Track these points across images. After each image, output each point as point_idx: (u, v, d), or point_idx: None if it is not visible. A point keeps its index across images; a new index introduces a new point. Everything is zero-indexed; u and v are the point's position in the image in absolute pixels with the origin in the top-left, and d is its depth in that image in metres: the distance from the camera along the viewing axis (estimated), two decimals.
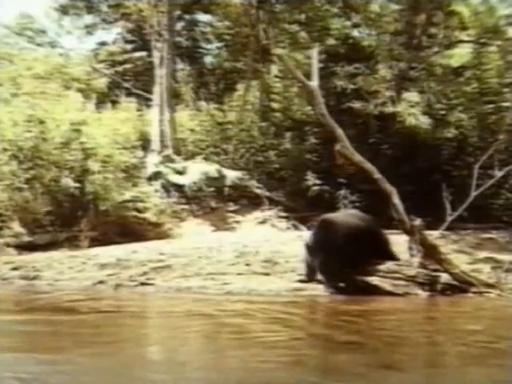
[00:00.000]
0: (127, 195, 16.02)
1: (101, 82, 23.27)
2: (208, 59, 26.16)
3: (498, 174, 11.78)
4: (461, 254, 11.78)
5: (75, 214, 15.26)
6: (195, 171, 17.82)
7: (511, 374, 5.52)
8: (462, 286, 9.90)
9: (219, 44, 25.59)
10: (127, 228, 15.36)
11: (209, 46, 26.19)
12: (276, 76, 21.23)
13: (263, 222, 17.21)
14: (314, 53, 11.95)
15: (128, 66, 24.99)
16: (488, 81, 20.78)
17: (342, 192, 17.45)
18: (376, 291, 9.79)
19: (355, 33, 21.59)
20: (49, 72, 21.35)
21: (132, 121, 19.12)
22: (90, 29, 25.48)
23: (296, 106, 20.08)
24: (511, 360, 6.09)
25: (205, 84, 23.46)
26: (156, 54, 20.12)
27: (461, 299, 9.62)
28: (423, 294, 9.83)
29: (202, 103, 21.34)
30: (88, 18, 25.19)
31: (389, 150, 18.64)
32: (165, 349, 6.82)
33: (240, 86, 21.30)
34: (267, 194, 18.08)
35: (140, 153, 17.97)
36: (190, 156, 19.10)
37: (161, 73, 19.82)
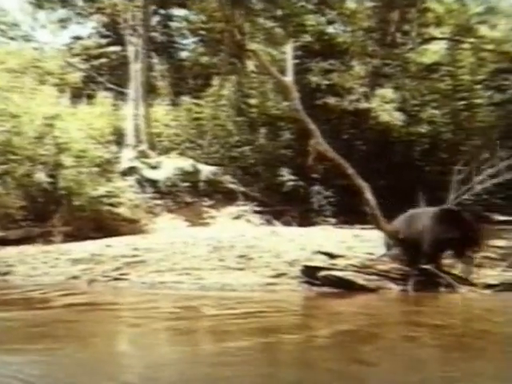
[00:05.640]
0: (101, 190, 15.93)
1: (75, 77, 23.11)
2: (184, 54, 26.09)
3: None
4: None
5: (48, 208, 15.16)
6: (170, 166, 17.79)
7: (485, 368, 5.58)
8: (434, 280, 10.00)
9: (195, 39, 25.53)
10: (101, 223, 15.29)
11: (185, 41, 26.12)
12: (252, 71, 21.23)
13: (238, 217, 17.23)
14: (289, 48, 11.98)
15: (103, 60, 24.85)
16: (461, 78, 20.97)
17: (316, 187, 17.53)
18: (350, 285, 9.87)
19: (330, 29, 21.65)
20: (23, 66, 21.15)
21: (107, 115, 19.02)
22: (64, 23, 25.26)
23: (271, 101, 20.11)
24: (480, 354, 6.16)
25: (180, 79, 23.40)
26: (131, 49, 20.05)
27: (433, 294, 9.72)
28: (396, 288, 9.92)
29: (178, 98, 21.28)
30: (62, 12, 24.98)
31: (363, 145, 18.77)
32: (135, 344, 6.83)
33: (216, 82, 21.27)
34: (242, 189, 18.10)
35: (114, 148, 17.90)
36: (165, 151, 19.07)
37: (136, 67, 19.74)
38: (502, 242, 12.56)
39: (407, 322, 7.99)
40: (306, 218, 17.09)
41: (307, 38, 20.73)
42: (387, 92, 19.42)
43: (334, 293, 9.79)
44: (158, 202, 17.33)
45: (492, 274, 10.51)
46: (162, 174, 17.59)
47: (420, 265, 10.09)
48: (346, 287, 9.84)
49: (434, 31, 21.12)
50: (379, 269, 10.11)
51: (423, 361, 5.95)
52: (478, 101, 21.03)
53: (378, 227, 10.71)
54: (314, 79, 19.02)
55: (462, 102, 20.78)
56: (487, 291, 9.80)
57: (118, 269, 11.20)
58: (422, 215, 10.61)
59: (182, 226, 16.43)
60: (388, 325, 7.74)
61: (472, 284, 10.06)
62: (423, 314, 8.51)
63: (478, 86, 21.26)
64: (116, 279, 10.81)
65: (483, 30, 20.42)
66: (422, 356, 6.15)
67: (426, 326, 7.45)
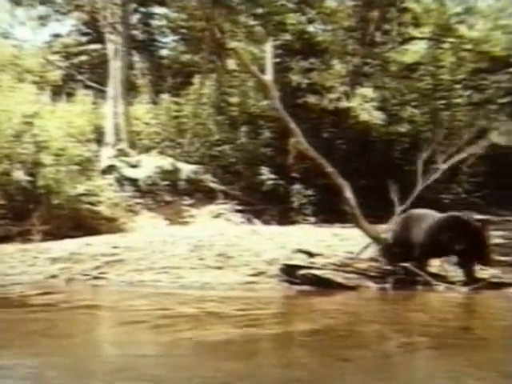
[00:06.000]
0: (81, 189, 15.84)
1: (55, 75, 22.96)
2: (164, 52, 26.03)
3: (443, 166, 11.99)
4: None
5: (27, 207, 15.05)
6: (150, 165, 17.74)
7: (457, 364, 5.62)
8: (412, 278, 10.07)
9: (175, 37, 25.47)
10: (80, 222, 15.20)
11: (165, 40, 26.05)
12: (232, 70, 21.22)
13: (218, 215, 17.22)
14: (269, 47, 11.99)
15: (83, 58, 24.73)
16: (441, 77, 21.10)
17: (296, 186, 17.56)
18: (328, 284, 9.91)
19: (311, 28, 21.69)
20: (1, 63, 20.98)
21: (87, 114, 18.91)
22: (43, 20, 25.07)
23: (252, 100, 20.11)
24: (458, 351, 6.20)
25: (161, 77, 23.34)
26: (110, 47, 19.94)
27: (412, 292, 9.79)
28: (374, 286, 9.98)
29: (158, 96, 21.21)
30: (41, 9, 24.79)
31: (343, 144, 18.84)
32: (115, 343, 6.81)
33: (196, 80, 21.23)
34: (222, 187, 18.09)
35: (94, 146, 17.81)
36: (145, 149, 19.01)
37: (115, 66, 19.65)
38: None
39: (385, 319, 8.03)
40: (285, 216, 17.13)
41: (287, 36, 20.75)
42: (367, 91, 19.50)
43: (313, 291, 9.83)
44: (138, 200, 17.26)
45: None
46: (141, 173, 17.54)
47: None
48: (325, 285, 9.88)
49: (414, 31, 21.22)
50: (358, 267, 10.16)
51: (399, 358, 5.99)
52: (458, 100, 21.17)
53: (358, 226, 10.76)
54: (295, 78, 19.06)
55: (442, 102, 20.91)
56: (465, 289, 9.87)
57: (97, 268, 11.15)
58: (426, 218, 10.62)
59: (162, 225, 16.39)
60: (366, 322, 7.77)
61: (450, 282, 10.14)
62: (401, 312, 8.56)
63: (458, 86, 21.39)
64: (95, 278, 10.77)
65: (462, 29, 20.56)
66: (398, 353, 6.19)
67: (404, 324, 7.49)
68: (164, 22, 25.34)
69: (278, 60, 18.75)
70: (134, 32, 23.70)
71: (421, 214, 10.83)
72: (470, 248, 9.87)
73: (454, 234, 9.95)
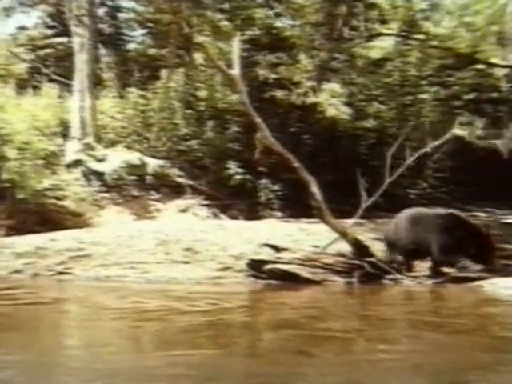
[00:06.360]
0: (46, 183, 15.69)
1: (20, 68, 22.69)
2: (132, 46, 25.84)
3: (408, 160, 12.12)
4: (378, 242, 12.05)
5: None
6: (116, 159, 17.60)
7: (425, 358, 5.67)
8: (378, 273, 10.15)
9: (143, 31, 25.30)
10: (46, 216, 15.07)
11: (132, 33, 25.86)
12: (200, 64, 21.13)
13: (185, 210, 17.16)
14: (236, 42, 11.98)
15: (49, 51, 24.43)
16: (407, 73, 21.24)
17: (264, 181, 17.57)
18: (295, 278, 9.96)
19: (278, 23, 21.69)
20: None
21: (52, 107, 18.72)
22: (8, 12, 24.71)
23: (219, 94, 20.05)
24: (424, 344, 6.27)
25: (128, 71, 23.16)
26: (76, 40, 19.71)
27: (377, 286, 9.87)
28: (341, 281, 10.05)
29: (125, 90, 21.05)
30: (6, 1, 24.43)
31: (310, 139, 18.88)
32: (79, 338, 6.78)
33: (164, 74, 21.10)
34: (189, 182, 18.02)
35: (60, 140, 17.64)
36: (112, 144, 18.85)
37: (82, 59, 19.42)
38: None
39: (351, 313, 8.09)
40: (253, 211, 17.12)
41: (255, 31, 20.72)
42: (334, 86, 19.55)
43: (279, 285, 9.87)
44: (104, 195, 17.11)
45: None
46: (108, 167, 17.39)
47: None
48: (292, 280, 9.93)
49: (381, 27, 21.32)
50: (324, 262, 10.23)
51: (365, 352, 6.04)
52: (424, 96, 21.34)
53: (324, 221, 10.81)
54: (262, 73, 19.04)
55: (409, 97, 21.07)
56: (429, 283, 9.99)
57: (62, 263, 11.07)
58: (428, 217, 10.71)
59: (129, 220, 16.29)
60: (331, 316, 7.82)
61: (415, 276, 10.25)
62: (366, 306, 8.63)
63: (424, 82, 21.56)
64: (60, 273, 10.70)
65: (428, 26, 20.72)
66: (363, 347, 6.25)
67: (368, 318, 7.54)
68: (131, 16, 25.16)
69: (245, 55, 18.76)
70: (101, 25, 23.49)
71: (422, 213, 10.97)
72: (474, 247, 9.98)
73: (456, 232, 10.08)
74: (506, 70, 20.42)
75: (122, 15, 25.38)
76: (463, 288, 9.68)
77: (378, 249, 11.10)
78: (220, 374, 5.12)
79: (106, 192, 17.18)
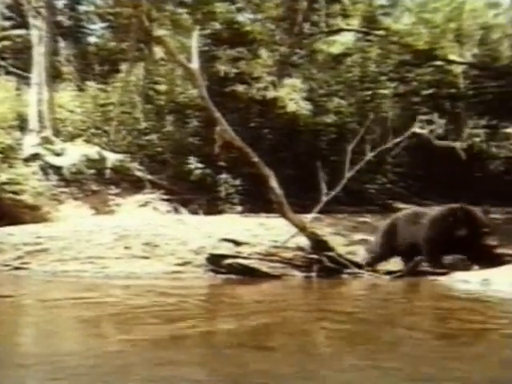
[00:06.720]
0: (3, 177, 15.50)
1: None
2: (92, 39, 25.57)
3: (368, 155, 12.24)
4: (337, 237, 12.16)
5: None
6: (75, 153, 17.41)
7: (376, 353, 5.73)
8: (337, 267, 10.22)
9: (103, 24, 25.04)
10: (3, 211, 14.87)
11: (93, 26, 25.57)
12: (161, 58, 20.99)
13: (145, 205, 17.06)
14: (195, 36, 11.94)
15: (6, 43, 24.04)
16: (367, 69, 21.38)
17: (224, 176, 17.55)
18: (254, 273, 9.98)
19: (240, 17, 21.64)
20: None
21: (10, 100, 18.48)
22: None
23: (179, 88, 19.96)
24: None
25: (87, 64, 22.92)
26: (35, 32, 19.45)
27: (336, 281, 9.94)
28: (300, 275, 10.10)
29: (84, 84, 20.83)
30: None
31: (270, 134, 18.91)
32: (36, 334, 6.71)
33: (124, 68, 20.93)
34: (149, 177, 17.92)
35: (17, 133, 17.42)
36: (70, 137, 18.66)
37: (40, 52, 19.17)
38: None
39: (309, 307, 8.13)
40: (213, 206, 17.10)
41: (216, 25, 20.65)
42: (295, 81, 19.58)
43: (239, 280, 9.89)
44: (63, 189, 16.93)
45: (392, 261, 10.86)
46: (66, 161, 17.19)
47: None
48: (251, 275, 9.95)
49: (342, 22, 21.41)
50: (283, 256, 10.27)
51: (323, 346, 6.08)
52: (384, 91, 21.50)
53: (283, 216, 10.84)
54: (223, 67, 18.99)
55: (369, 93, 21.21)
56: (387, 277, 10.09)
57: (19, 258, 10.95)
58: (427, 214, 10.79)
59: (88, 214, 16.15)
60: (290, 310, 7.85)
61: (373, 270, 10.35)
62: (325, 300, 8.68)
63: (384, 78, 21.72)
64: (16, 268, 10.58)
65: (388, 22, 20.90)
66: (320, 341, 6.29)
67: (327, 312, 7.59)
68: (91, 8, 24.89)
69: (206, 49, 18.73)
70: (60, 18, 23.21)
71: (422, 211, 11.07)
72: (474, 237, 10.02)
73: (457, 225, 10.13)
74: (464, 67, 20.69)
75: (81, 8, 25.11)
76: (419, 281, 9.81)
77: (338, 243, 11.20)
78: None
79: (64, 186, 16.99)
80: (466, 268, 10.14)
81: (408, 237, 10.62)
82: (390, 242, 10.76)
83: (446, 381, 4.68)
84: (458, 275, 9.81)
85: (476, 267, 10.05)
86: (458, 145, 13.83)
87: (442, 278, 9.79)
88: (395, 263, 10.74)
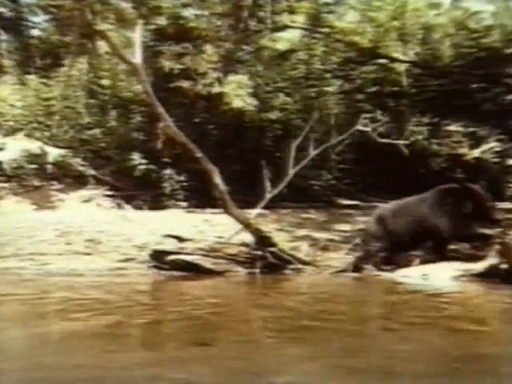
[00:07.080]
0: None
1: None
2: (34, 32, 25.10)
3: (313, 152, 12.35)
4: (281, 233, 12.22)
5: None
6: (15, 148, 17.10)
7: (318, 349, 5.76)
8: (280, 263, 10.28)
9: (46, 17, 24.61)
10: None
11: (35, 19, 25.10)
12: (105, 52, 20.72)
13: (88, 200, 16.86)
14: (138, 30, 11.84)
15: None
16: (313, 66, 21.48)
17: (168, 171, 17.44)
18: (197, 269, 9.97)
19: (185, 13, 21.49)
20: None
21: None
22: None
23: (123, 83, 19.75)
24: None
25: (30, 57, 22.51)
26: None
27: (280, 277, 10.00)
28: (243, 271, 10.12)
29: (25, 77, 20.45)
30: None
31: (215, 130, 18.86)
32: None
33: (67, 61, 20.61)
34: (92, 172, 17.71)
35: None
36: (11, 132, 18.30)
37: None
38: (347, 226, 13.10)
39: (251, 303, 8.16)
40: (157, 202, 16.98)
41: (162, 21, 20.47)
42: (241, 78, 19.56)
43: (182, 276, 9.87)
44: (3, 185, 16.64)
45: (336, 257, 10.96)
46: (6, 156, 16.88)
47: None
48: (194, 271, 9.94)
49: (288, 19, 21.44)
50: (227, 252, 10.29)
51: (262, 341, 6.10)
52: (329, 89, 21.62)
53: (227, 212, 10.85)
54: (167, 63, 18.84)
55: (314, 90, 21.30)
56: (331, 273, 10.18)
57: None
58: (417, 202, 10.66)
59: (29, 210, 15.88)
60: (231, 306, 7.86)
61: (316, 266, 10.43)
62: (267, 296, 8.71)
63: (329, 75, 21.83)
64: None
65: (332, 20, 21.00)
66: (260, 337, 6.30)
67: (268, 308, 7.62)
68: (33, 0, 24.43)
69: (151, 44, 18.58)
70: (1, 9, 22.76)
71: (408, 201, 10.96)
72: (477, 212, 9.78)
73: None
74: (407, 66, 20.96)
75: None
76: (363, 277, 9.93)
77: (282, 239, 11.25)
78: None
79: (4, 182, 16.70)
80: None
81: (405, 227, 10.44)
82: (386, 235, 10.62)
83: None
84: (402, 271, 9.96)
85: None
86: (400, 142, 14.05)
87: (384, 274, 9.93)
88: (340, 260, 10.82)
